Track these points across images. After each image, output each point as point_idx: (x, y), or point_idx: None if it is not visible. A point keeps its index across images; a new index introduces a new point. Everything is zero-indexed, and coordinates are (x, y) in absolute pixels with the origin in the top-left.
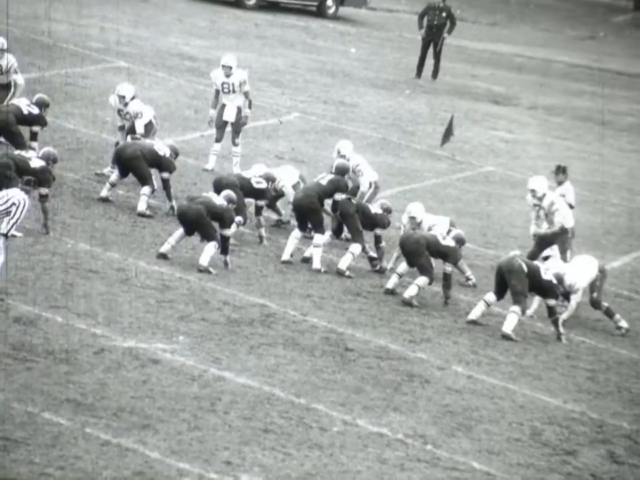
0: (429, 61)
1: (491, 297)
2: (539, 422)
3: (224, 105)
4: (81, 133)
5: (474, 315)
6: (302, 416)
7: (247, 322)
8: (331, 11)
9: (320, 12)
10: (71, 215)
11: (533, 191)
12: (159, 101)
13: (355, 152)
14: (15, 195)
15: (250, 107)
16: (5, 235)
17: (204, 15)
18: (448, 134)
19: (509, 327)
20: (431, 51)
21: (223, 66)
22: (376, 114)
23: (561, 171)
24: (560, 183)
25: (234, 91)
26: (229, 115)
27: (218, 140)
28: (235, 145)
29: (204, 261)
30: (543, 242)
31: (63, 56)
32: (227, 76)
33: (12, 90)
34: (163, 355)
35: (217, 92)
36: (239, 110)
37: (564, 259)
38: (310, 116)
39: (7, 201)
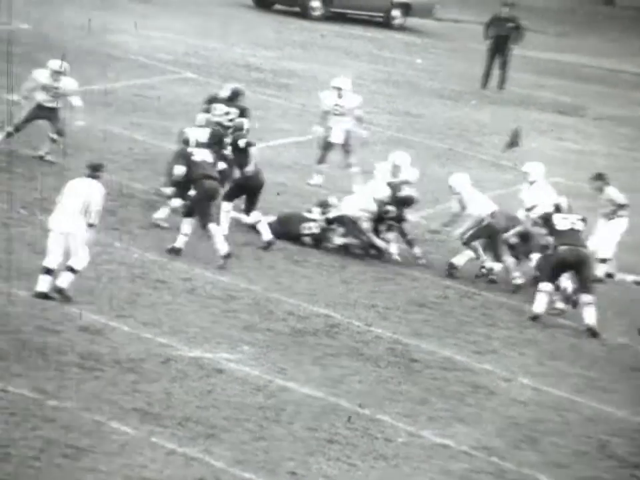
0: (495, 72)
1: (548, 287)
2: (606, 434)
3: (331, 128)
4: (149, 144)
5: (538, 308)
6: (367, 427)
7: (311, 332)
8: (397, 21)
9: (386, 23)
10: (138, 225)
11: (525, 173)
12: None
13: (417, 164)
14: (86, 185)
15: (365, 135)
16: (92, 225)
17: (270, 25)
18: (512, 142)
19: (593, 319)
20: (497, 61)
21: (335, 87)
22: (442, 124)
23: (599, 178)
24: (600, 190)
25: (344, 114)
26: (337, 137)
27: (320, 162)
28: (349, 166)
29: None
30: None
31: (130, 67)
32: (339, 97)
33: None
34: (228, 364)
35: (325, 113)
36: (348, 133)
37: None
38: (375, 127)
39: (82, 194)
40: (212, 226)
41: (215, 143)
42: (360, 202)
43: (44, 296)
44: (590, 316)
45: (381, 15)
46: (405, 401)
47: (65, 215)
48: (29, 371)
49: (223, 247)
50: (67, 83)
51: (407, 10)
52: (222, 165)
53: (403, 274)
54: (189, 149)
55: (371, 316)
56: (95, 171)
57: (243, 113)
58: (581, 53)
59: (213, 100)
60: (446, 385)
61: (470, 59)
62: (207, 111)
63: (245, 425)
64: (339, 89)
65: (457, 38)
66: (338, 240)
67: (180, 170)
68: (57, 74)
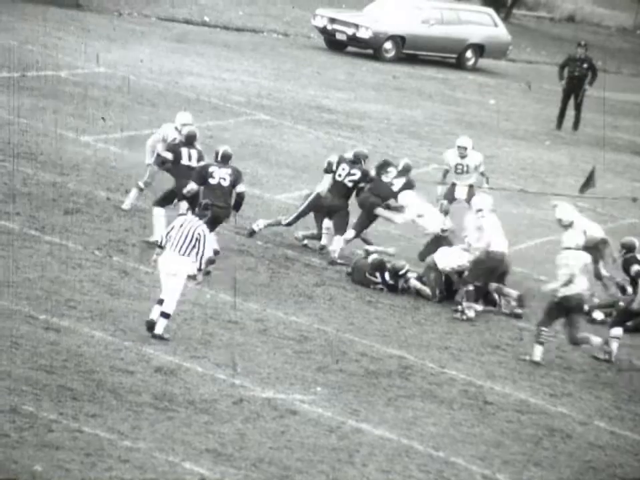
0: (570, 112)
1: (619, 332)
2: None
3: (454, 184)
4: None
5: (612, 356)
6: (441, 469)
7: (384, 374)
8: (470, 62)
9: (459, 64)
10: (211, 266)
11: (559, 220)
12: (297, 153)
13: (494, 203)
14: (195, 226)
15: (487, 183)
16: (200, 269)
17: (343, 67)
18: (588, 183)
19: None
20: (571, 102)
21: (459, 147)
22: (515, 165)
23: None
24: None
25: (467, 172)
26: (461, 193)
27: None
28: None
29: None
30: None
31: (204, 109)
32: (462, 157)
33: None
34: (301, 405)
35: (446, 171)
36: (470, 187)
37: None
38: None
39: (191, 236)
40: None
41: None
42: (455, 258)
43: (151, 324)
44: None
45: (454, 56)
46: (480, 443)
47: (172, 255)
48: (103, 411)
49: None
50: (476, 158)
51: (480, 51)
52: (241, 188)
53: (477, 315)
54: (211, 168)
55: (445, 357)
56: (204, 210)
57: (364, 175)
58: None
59: (339, 160)
60: (521, 427)
61: (544, 99)
62: (329, 169)
63: (318, 467)
64: (464, 148)
65: (531, 79)
66: (412, 282)
67: (192, 187)
68: (185, 126)
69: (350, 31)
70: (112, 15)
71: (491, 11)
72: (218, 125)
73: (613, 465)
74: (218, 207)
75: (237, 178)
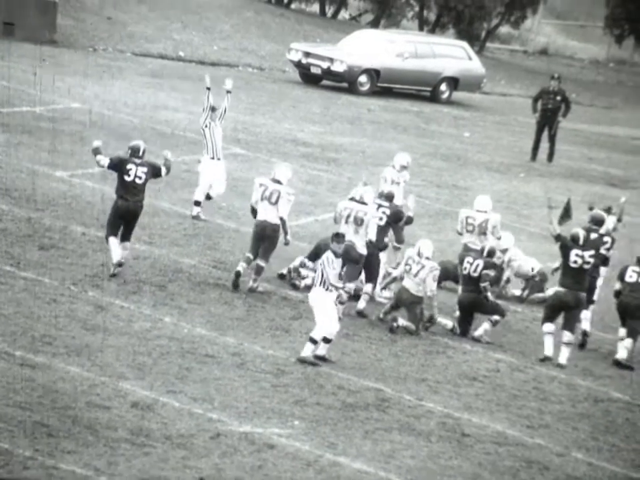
0: (544, 144)
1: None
2: None
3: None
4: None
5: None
6: None
7: (362, 406)
8: (445, 95)
9: (433, 97)
10: (187, 300)
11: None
12: None
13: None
14: (332, 260)
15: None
16: (329, 289)
17: (318, 101)
18: (565, 216)
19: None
20: (545, 134)
21: (478, 211)
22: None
23: None
24: None
25: (484, 234)
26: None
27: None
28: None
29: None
30: None
31: (179, 144)
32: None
33: None
34: (279, 439)
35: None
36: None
37: None
38: (424, 199)
39: (329, 269)
40: (125, 243)
41: None
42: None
43: (307, 362)
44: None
45: (429, 89)
46: (457, 476)
47: (320, 291)
48: (79, 447)
49: (117, 256)
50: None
51: (455, 84)
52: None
53: (454, 347)
54: (128, 165)
55: (422, 390)
56: (339, 242)
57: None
58: (630, 126)
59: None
60: (498, 459)
61: (518, 132)
62: None
63: None
64: (482, 212)
65: (505, 111)
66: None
67: (104, 162)
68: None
69: (325, 65)
70: (87, 51)
71: (464, 44)
72: (194, 159)
73: None
74: (132, 201)
75: (154, 172)
